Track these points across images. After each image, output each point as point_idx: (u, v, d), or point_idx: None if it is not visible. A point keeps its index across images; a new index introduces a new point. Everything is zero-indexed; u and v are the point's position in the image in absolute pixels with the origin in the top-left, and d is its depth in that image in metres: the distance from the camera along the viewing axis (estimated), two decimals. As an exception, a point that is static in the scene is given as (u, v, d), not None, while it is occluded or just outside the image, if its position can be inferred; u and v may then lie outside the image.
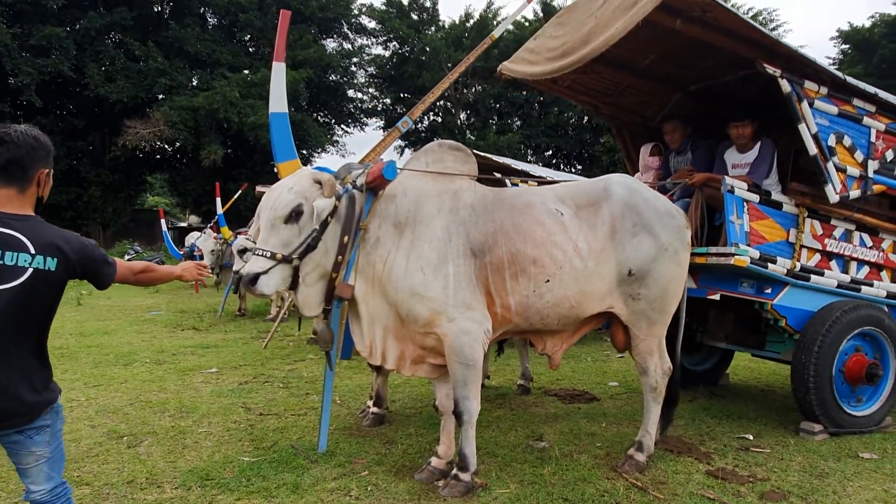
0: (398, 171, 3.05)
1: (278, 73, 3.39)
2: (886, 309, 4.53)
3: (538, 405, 5.06)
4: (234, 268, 9.60)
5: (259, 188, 13.43)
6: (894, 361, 4.44)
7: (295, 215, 2.97)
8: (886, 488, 3.38)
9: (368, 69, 34.29)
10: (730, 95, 5.12)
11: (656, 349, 3.62)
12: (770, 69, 3.86)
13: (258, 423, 4.43)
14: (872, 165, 4.30)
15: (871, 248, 4.58)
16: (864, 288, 4.50)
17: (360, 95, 34.39)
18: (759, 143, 4.45)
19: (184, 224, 36.89)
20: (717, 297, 4.14)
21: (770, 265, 4.07)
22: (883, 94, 4.26)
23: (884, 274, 4.67)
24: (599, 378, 6.12)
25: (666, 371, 3.68)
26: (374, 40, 34.00)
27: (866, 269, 4.59)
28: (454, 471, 3.26)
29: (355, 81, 33.26)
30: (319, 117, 31.27)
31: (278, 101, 3.37)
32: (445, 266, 3.15)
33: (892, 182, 4.41)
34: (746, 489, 3.33)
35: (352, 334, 3.33)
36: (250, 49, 28.51)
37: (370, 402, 4.62)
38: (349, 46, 32.20)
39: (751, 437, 4.21)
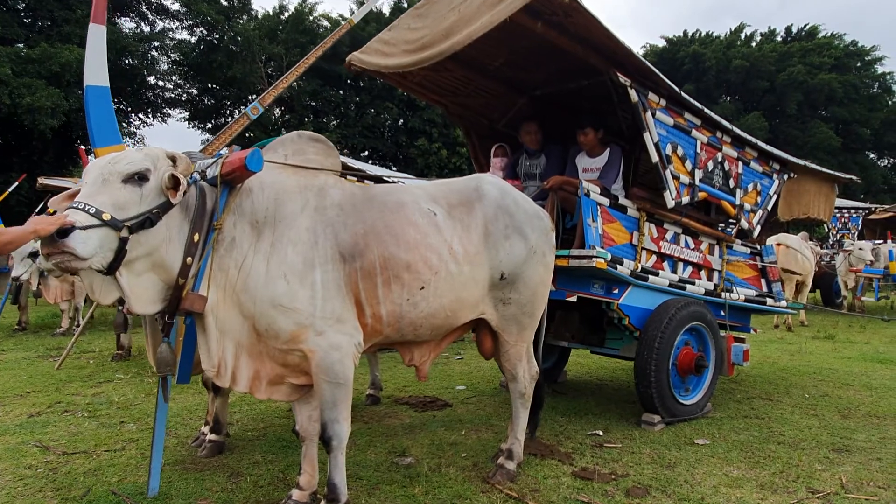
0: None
1: (97, 36, 2.78)
2: (704, 304, 4.98)
3: (392, 416, 4.81)
4: (14, 273, 8.09)
5: (43, 180, 11.54)
6: (714, 353, 4.89)
7: (139, 178, 2.44)
8: (726, 472, 3.66)
9: (171, 55, 31.36)
10: (573, 102, 5.31)
11: (525, 354, 3.57)
12: (622, 78, 4.02)
13: (62, 466, 3.63)
14: (698, 174, 4.69)
15: (693, 249, 5.01)
16: (688, 286, 4.90)
17: (161, 83, 31.36)
18: (608, 149, 4.65)
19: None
20: (574, 298, 4.23)
21: (618, 266, 4.24)
22: (706, 110, 4.67)
23: (702, 273, 5.14)
24: (445, 382, 6.04)
25: (534, 376, 3.64)
26: (178, 24, 31.18)
27: (690, 268, 5.01)
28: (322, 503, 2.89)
29: (156, 68, 30.25)
30: (113, 104, 27.91)
31: (97, 72, 2.78)
32: (312, 272, 2.78)
33: (711, 190, 4.86)
34: (612, 487, 3.38)
35: (199, 350, 2.80)
36: (26, 20, 24.52)
37: (206, 429, 4.03)
38: (149, 29, 29.21)
39: (601, 433, 4.36)
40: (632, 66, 4.07)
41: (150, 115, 31.13)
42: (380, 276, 2.93)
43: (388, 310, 2.98)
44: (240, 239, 2.70)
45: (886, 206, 17.05)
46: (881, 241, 15.01)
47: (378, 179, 5.99)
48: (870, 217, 16.74)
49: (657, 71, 4.15)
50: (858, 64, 38.59)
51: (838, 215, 15.79)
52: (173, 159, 2.60)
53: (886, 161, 40.50)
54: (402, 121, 36.11)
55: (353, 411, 4.79)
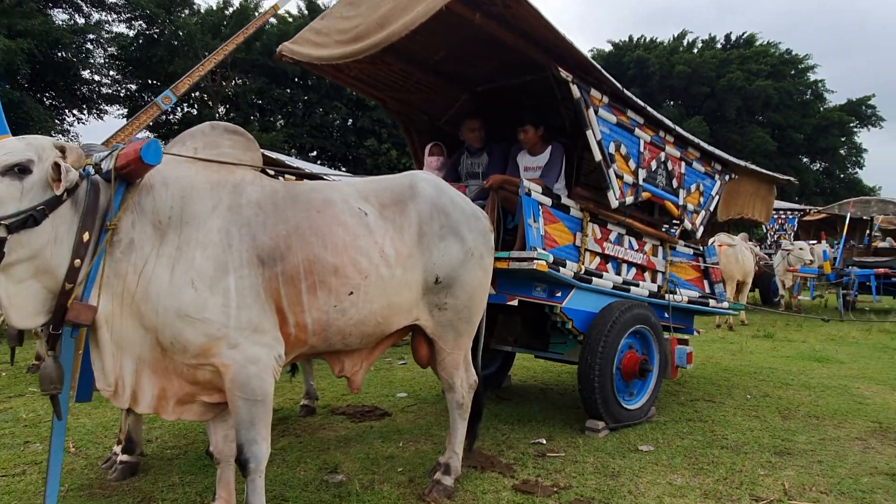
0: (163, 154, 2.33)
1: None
2: (648, 306, 4.89)
3: (326, 427, 4.54)
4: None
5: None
6: (658, 355, 4.81)
7: (19, 170, 2.15)
8: (670, 480, 3.55)
9: (108, 49, 30.05)
10: (516, 99, 5.16)
11: (462, 362, 3.37)
12: (563, 73, 3.87)
13: (-53, 496, 3.25)
14: (642, 174, 4.59)
15: (637, 250, 4.92)
16: (632, 288, 4.81)
17: (97, 78, 29.98)
18: (550, 147, 4.50)
19: None
20: (515, 302, 4.06)
21: (561, 269, 4.10)
22: (649, 109, 4.58)
23: (646, 274, 5.06)
24: (386, 389, 5.80)
25: (472, 385, 3.45)
26: (115, 16, 29.89)
27: (634, 270, 4.92)
28: (238, 532, 2.63)
29: (91, 61, 28.90)
30: (45, 99, 26.53)
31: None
32: (225, 278, 2.51)
33: (655, 190, 4.78)
34: (554, 501, 3.22)
35: (93, 367, 2.49)
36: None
37: (118, 448, 3.68)
38: (83, 21, 27.84)
39: (544, 442, 4.20)
40: (573, 61, 3.93)
41: (84, 111, 29.75)
42: (304, 281, 2.69)
43: (313, 318, 2.74)
44: (140, 241, 2.41)
45: (820, 208, 17.67)
46: (814, 242, 15.53)
47: (311, 177, 5.71)
48: (805, 218, 17.32)
49: (599, 67, 4.03)
50: (793, 71, 40.18)
51: (775, 216, 16.28)
52: (62, 150, 2.31)
53: (818, 165, 42.27)
54: (351, 121, 35.69)
55: (285, 424, 4.55)
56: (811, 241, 15.54)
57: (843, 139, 40.86)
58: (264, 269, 2.61)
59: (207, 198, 2.60)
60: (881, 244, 17.38)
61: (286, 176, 5.55)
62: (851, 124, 40.37)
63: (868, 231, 17.22)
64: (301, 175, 5.99)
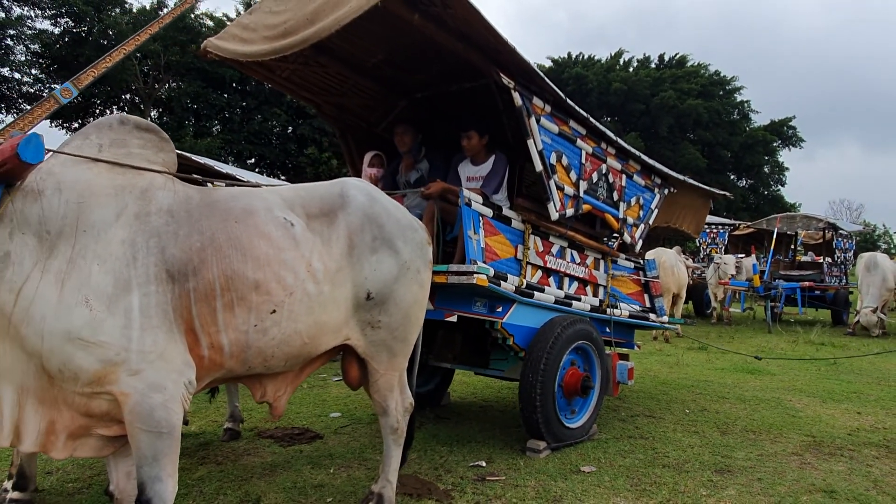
0: (46, 152, 2.03)
1: None
2: (590, 321, 4.79)
3: (251, 453, 4.22)
4: None
5: None
6: (600, 371, 4.71)
7: None
8: (613, 503, 3.42)
9: (31, 46, 28.46)
10: (457, 108, 5.00)
11: (397, 384, 3.14)
12: (505, 80, 3.73)
13: None
14: (583, 186, 4.50)
15: (579, 264, 4.83)
16: (574, 303, 4.70)
17: (18, 76, 28.30)
18: (493, 157, 4.35)
19: None
20: (454, 318, 3.87)
21: (502, 283, 3.94)
22: (592, 119, 4.50)
23: (588, 288, 4.97)
24: (320, 409, 5.49)
25: (407, 408, 3.22)
26: (39, 12, 28.36)
27: (576, 284, 4.81)
28: (137, 584, 2.31)
29: (11, 58, 27.29)
30: (-42, 96, 24.89)
31: None
32: (127, 296, 2.21)
33: (595, 202, 4.69)
34: (494, 532, 3.03)
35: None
36: None
37: (8, 485, 3.27)
38: (3, 15, 26.29)
39: (484, 464, 4.01)
40: (515, 68, 3.79)
41: (3, 111, 28.06)
42: (220, 298, 2.42)
43: (230, 338, 2.47)
44: (18, 255, 2.09)
45: (749, 223, 18.34)
46: (743, 255, 16.08)
47: (245, 185, 5.37)
48: (734, 233, 17.93)
49: (542, 74, 3.91)
50: (721, 92, 41.96)
51: (707, 230, 16.77)
52: None
53: (744, 182, 44.18)
54: (291, 128, 34.97)
55: (206, 450, 4.20)
56: (740, 255, 16.08)
57: (766, 157, 42.89)
58: (174, 286, 2.33)
59: (111, 205, 2.30)
60: (804, 258, 18.21)
61: (215, 183, 5.20)
62: (774, 143, 42.44)
63: (792, 245, 18.00)
64: (234, 183, 5.62)
